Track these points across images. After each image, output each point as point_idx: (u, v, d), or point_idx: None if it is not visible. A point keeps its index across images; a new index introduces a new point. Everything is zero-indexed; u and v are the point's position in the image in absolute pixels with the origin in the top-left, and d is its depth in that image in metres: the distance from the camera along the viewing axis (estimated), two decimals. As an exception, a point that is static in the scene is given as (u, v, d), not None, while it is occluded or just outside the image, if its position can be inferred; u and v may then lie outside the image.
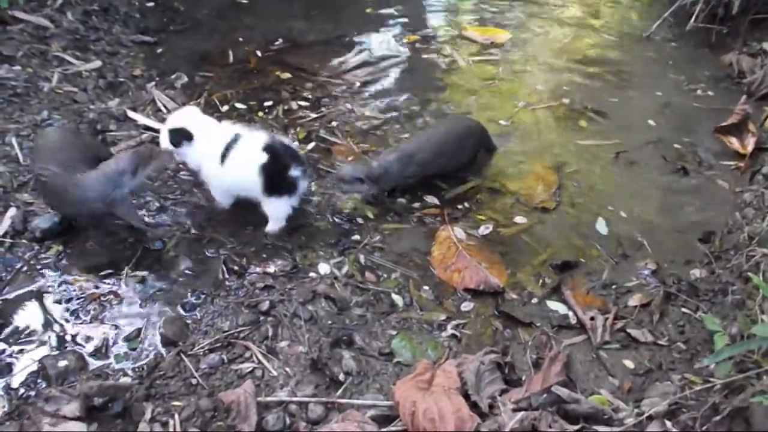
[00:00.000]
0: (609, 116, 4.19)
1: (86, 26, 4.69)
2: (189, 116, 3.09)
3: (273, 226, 3.11)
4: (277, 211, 3.08)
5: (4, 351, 2.50)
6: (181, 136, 3.02)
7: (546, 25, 5.42)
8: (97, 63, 4.30)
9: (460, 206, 3.36)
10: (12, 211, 3.04)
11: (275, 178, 2.97)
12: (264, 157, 2.95)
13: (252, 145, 2.98)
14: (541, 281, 2.96)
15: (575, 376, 2.52)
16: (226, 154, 2.98)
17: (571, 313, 2.80)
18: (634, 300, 2.86)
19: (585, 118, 4.16)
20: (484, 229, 3.20)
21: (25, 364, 2.45)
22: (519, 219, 3.30)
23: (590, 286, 2.94)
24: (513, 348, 2.63)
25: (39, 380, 2.40)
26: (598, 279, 2.98)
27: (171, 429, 2.20)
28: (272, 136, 3.09)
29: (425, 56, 4.87)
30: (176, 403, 2.31)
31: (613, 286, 2.95)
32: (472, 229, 3.20)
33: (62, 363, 2.43)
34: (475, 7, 5.71)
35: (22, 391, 2.36)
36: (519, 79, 4.61)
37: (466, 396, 2.29)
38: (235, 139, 2.99)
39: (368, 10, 5.51)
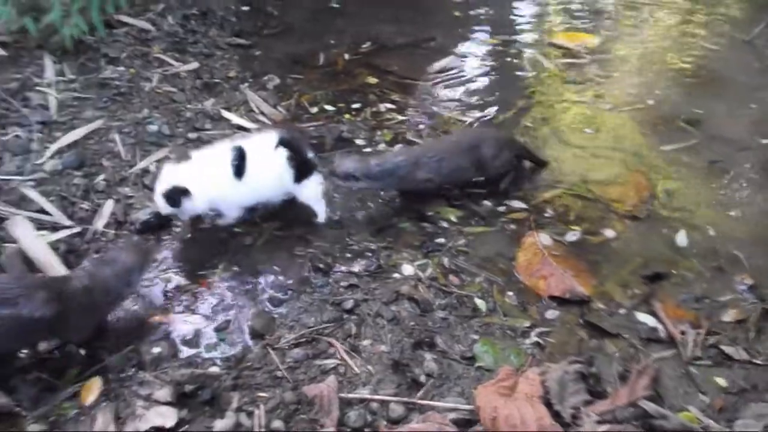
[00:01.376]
0: (702, 123, 4.04)
1: (185, 29, 4.91)
2: (173, 174, 2.97)
3: (321, 210, 3.21)
4: (316, 192, 3.17)
5: (105, 336, 2.63)
6: (178, 195, 2.93)
7: (638, 29, 5.28)
8: (195, 64, 4.49)
9: (547, 212, 3.32)
10: (113, 204, 3.22)
11: (302, 165, 3.08)
12: (285, 152, 3.03)
13: (266, 148, 3.03)
14: (629, 292, 2.88)
15: (663, 392, 2.42)
16: (240, 168, 2.98)
17: (660, 326, 2.71)
18: (728, 315, 2.74)
19: (677, 125, 4.03)
20: (572, 236, 3.15)
21: (121, 349, 2.57)
22: (608, 227, 3.22)
23: (682, 299, 2.83)
24: (598, 359, 2.55)
25: (135, 365, 2.51)
26: (691, 292, 2.87)
27: (256, 419, 2.26)
28: (279, 131, 3.12)
29: (512, 60, 4.84)
30: (262, 394, 2.37)
31: (706, 300, 2.83)
32: (559, 236, 3.15)
33: (156, 350, 2.55)
34: (564, 11, 5.62)
35: (119, 374, 2.47)
36: (608, 83, 4.51)
37: (549, 405, 2.24)
38: (240, 152, 2.99)
39: (456, 14, 5.52)
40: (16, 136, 3.55)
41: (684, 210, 3.34)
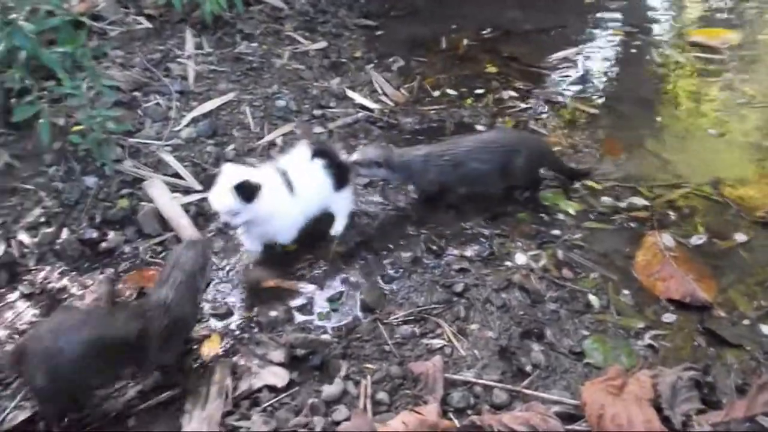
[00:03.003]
0: None
1: (315, 9, 5.06)
2: (239, 171, 2.81)
3: (342, 224, 3.14)
4: (348, 203, 3.13)
5: (226, 296, 2.81)
6: (251, 190, 2.72)
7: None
8: (323, 44, 4.62)
9: (671, 212, 3.18)
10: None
11: (340, 173, 3.02)
12: (321, 161, 2.97)
13: (305, 161, 2.97)
14: (755, 302, 2.72)
15: (786, 410, 2.29)
16: (291, 185, 2.89)
17: (787, 342, 2.55)
18: None
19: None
20: (697, 239, 3.01)
21: (242, 311, 2.74)
22: (737, 232, 3.05)
23: (815, 316, 2.66)
24: (715, 369, 2.44)
25: (253, 326, 2.66)
26: (825, 309, 2.69)
27: (362, 389, 2.34)
28: (311, 144, 3.08)
29: (643, 52, 4.65)
30: (369, 365, 2.45)
31: (844, 320, 2.64)
32: (683, 238, 3.01)
33: (273, 313, 2.69)
34: (701, 4, 5.32)
35: (237, 333, 2.63)
36: (745, 79, 4.25)
37: (658, 409, 2.18)
38: (286, 170, 2.91)
39: (587, 1, 5.35)
40: (157, 103, 3.80)
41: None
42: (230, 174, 2.75)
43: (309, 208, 3.00)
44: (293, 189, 2.89)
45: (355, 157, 3.14)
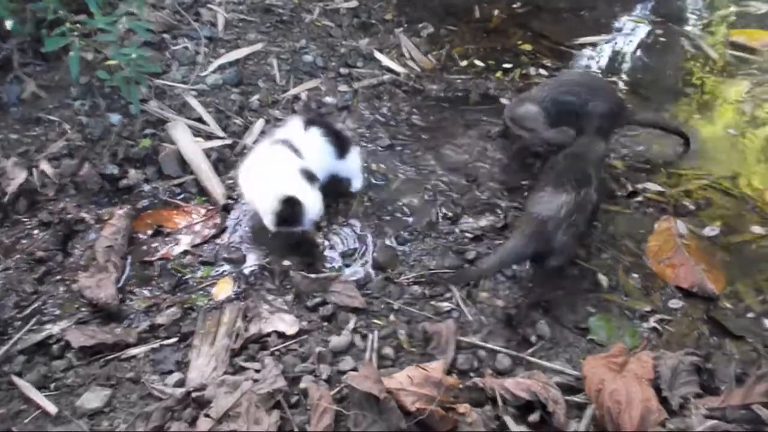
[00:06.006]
0: None
1: (349, -33, 4.98)
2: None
3: (359, 181, 3.15)
4: (355, 165, 3.10)
5: (241, 243, 2.87)
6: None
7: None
8: (354, 3, 4.57)
9: (687, 201, 3.19)
10: (263, 124, 3.41)
11: (341, 140, 2.99)
12: (318, 131, 2.92)
13: (299, 131, 2.91)
14: (761, 297, 2.74)
15: (782, 402, 2.33)
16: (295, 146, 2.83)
17: (790, 338, 2.58)
18: None
19: None
20: (710, 231, 3.02)
21: (256, 258, 2.79)
22: (750, 228, 3.06)
23: (820, 314, 2.68)
24: (716, 357, 2.47)
25: (265, 273, 2.71)
26: (832, 308, 2.71)
27: (369, 342, 2.40)
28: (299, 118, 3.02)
29: (674, 44, 4.59)
30: (377, 321, 2.50)
31: None
32: (696, 228, 3.03)
33: (286, 262, 2.74)
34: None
35: (250, 279, 2.69)
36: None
37: (657, 390, 2.21)
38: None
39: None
40: (185, 47, 3.79)
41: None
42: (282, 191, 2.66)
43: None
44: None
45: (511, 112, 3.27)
